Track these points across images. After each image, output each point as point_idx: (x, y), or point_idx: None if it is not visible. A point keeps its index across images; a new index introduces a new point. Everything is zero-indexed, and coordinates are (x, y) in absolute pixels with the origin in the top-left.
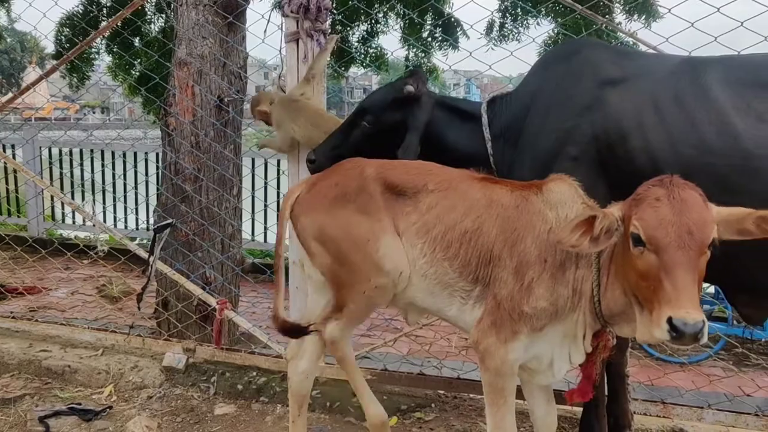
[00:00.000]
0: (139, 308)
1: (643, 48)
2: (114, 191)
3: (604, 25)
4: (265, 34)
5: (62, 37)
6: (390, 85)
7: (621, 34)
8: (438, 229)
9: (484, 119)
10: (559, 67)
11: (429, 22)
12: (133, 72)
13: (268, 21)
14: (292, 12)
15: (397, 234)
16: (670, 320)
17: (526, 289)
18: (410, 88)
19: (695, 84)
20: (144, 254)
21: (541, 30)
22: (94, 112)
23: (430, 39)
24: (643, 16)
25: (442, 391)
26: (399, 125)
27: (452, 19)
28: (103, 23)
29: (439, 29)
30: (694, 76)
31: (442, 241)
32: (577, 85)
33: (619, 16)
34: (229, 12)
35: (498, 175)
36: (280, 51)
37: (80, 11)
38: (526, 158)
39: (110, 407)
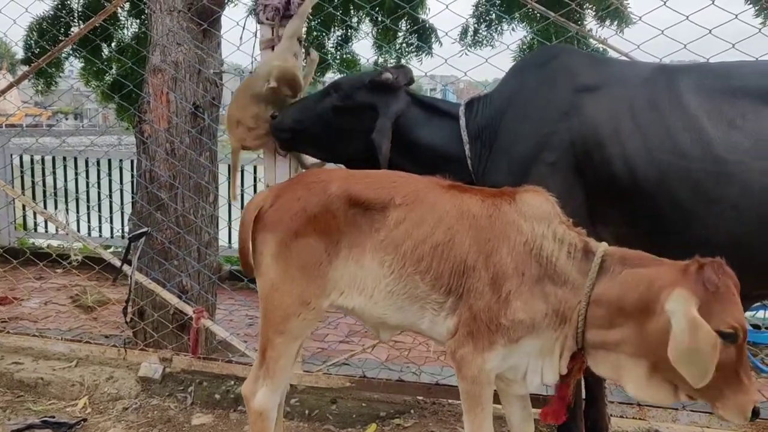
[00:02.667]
0: (126, 322)
1: (614, 55)
2: (88, 199)
3: (576, 32)
4: (240, 41)
5: (31, 42)
6: (368, 72)
7: (593, 41)
8: (407, 244)
9: (462, 122)
10: (535, 72)
11: (403, 28)
12: (107, 78)
13: (243, 28)
14: (267, 19)
15: (356, 254)
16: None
17: (504, 301)
18: (388, 75)
19: (669, 91)
20: (118, 263)
21: (515, 36)
22: (66, 119)
23: (404, 45)
24: (615, 22)
25: (421, 397)
26: (367, 108)
27: (427, 26)
28: (75, 28)
29: (414, 36)
30: (668, 83)
31: (412, 256)
32: (553, 91)
33: (591, 23)
34: (203, 19)
35: (475, 176)
36: (253, 58)
37: (50, 15)
38: (503, 163)
39: (85, 420)
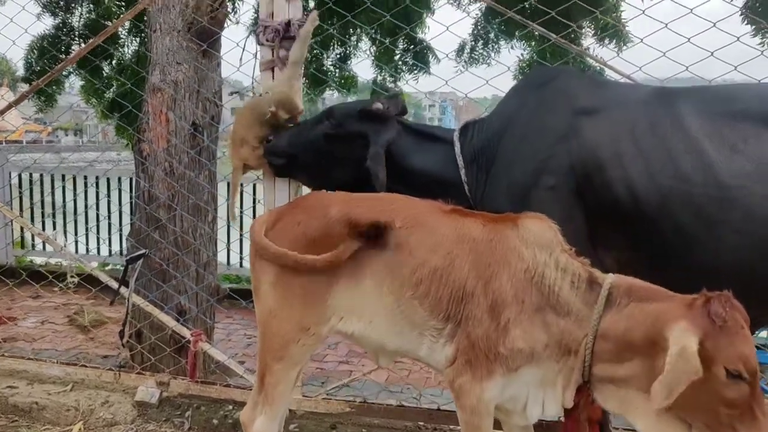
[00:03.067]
0: (123, 345)
1: (615, 76)
2: (86, 219)
3: (576, 54)
4: (240, 62)
5: (32, 60)
6: (361, 101)
7: (594, 61)
8: (406, 268)
9: (457, 146)
10: (533, 94)
11: (401, 47)
12: (106, 95)
13: (243, 49)
14: (267, 41)
15: (355, 278)
16: None
17: (503, 329)
18: (379, 105)
19: (670, 114)
20: (115, 284)
21: (514, 54)
22: (66, 135)
23: (400, 63)
24: (614, 42)
25: (422, 423)
26: (358, 137)
27: (424, 44)
28: (75, 46)
29: (410, 54)
30: (669, 106)
31: (410, 280)
32: (552, 114)
33: (591, 42)
34: (203, 39)
35: (473, 201)
36: (253, 80)
37: (51, 34)
38: (502, 187)
39: None
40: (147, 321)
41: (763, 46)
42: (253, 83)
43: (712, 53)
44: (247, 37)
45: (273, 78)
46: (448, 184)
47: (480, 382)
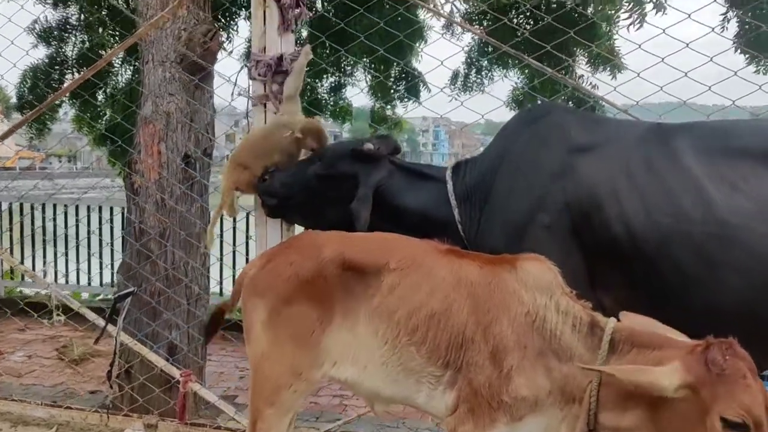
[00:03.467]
0: (111, 386)
1: (610, 108)
2: (77, 251)
3: (571, 86)
4: (232, 96)
5: (25, 90)
6: (353, 140)
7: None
8: (401, 311)
9: (450, 185)
10: (526, 132)
11: (394, 76)
12: (100, 123)
13: (235, 84)
14: (259, 75)
15: (349, 321)
16: None
17: (505, 377)
18: (370, 146)
19: (667, 151)
20: (102, 322)
21: (508, 82)
22: (60, 161)
23: (393, 92)
24: (607, 69)
25: None
26: (348, 177)
27: (417, 73)
28: (69, 75)
29: (403, 84)
30: (665, 143)
31: (406, 325)
32: (546, 152)
33: (584, 68)
34: (196, 71)
35: (467, 240)
36: (247, 115)
37: (44, 64)
38: (496, 226)
39: None
40: (137, 359)
41: (758, 74)
42: (247, 117)
43: (709, 87)
44: (240, 71)
45: (265, 112)
46: (440, 223)
47: (483, 431)
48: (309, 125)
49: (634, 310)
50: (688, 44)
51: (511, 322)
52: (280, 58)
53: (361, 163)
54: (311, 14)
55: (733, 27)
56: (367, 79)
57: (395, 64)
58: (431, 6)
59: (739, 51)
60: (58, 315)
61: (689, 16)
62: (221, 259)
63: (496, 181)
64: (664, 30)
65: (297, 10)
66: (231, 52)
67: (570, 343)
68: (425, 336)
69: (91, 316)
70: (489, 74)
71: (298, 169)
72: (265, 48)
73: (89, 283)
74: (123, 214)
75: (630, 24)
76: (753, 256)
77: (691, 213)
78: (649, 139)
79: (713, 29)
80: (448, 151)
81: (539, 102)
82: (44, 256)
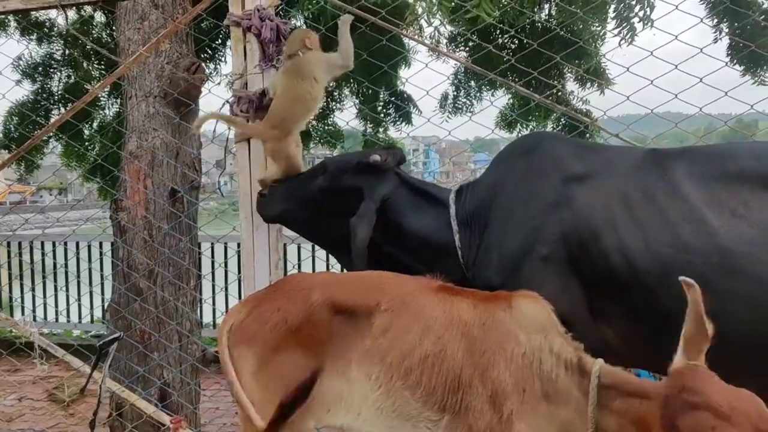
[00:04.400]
0: None
1: (600, 133)
2: (67, 289)
3: (558, 108)
4: (214, 134)
5: (10, 126)
6: (358, 153)
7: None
8: (394, 354)
9: (452, 209)
10: (520, 162)
11: (382, 97)
12: (89, 156)
13: (217, 122)
14: (242, 111)
15: (341, 366)
16: None
17: (506, 421)
18: (376, 157)
19: (664, 178)
20: (88, 369)
21: (497, 101)
22: (51, 194)
23: (383, 114)
24: (595, 85)
25: None
26: (353, 191)
27: (405, 95)
28: (55, 111)
29: (392, 106)
30: (662, 170)
31: (399, 368)
32: (541, 182)
33: (572, 84)
34: (179, 108)
35: (465, 267)
36: (228, 150)
37: (30, 100)
38: (493, 257)
39: None
40: (128, 403)
41: (754, 84)
42: (226, 154)
43: (700, 109)
44: (222, 107)
45: (249, 149)
46: (441, 246)
47: None
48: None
49: (635, 341)
50: (677, 66)
51: (508, 364)
52: (263, 94)
53: (367, 175)
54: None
55: (707, 37)
56: (355, 104)
57: (383, 88)
58: (415, 35)
59: (734, 62)
60: (42, 364)
61: (676, 37)
62: (213, 289)
63: (491, 212)
64: (651, 52)
65: (278, 45)
66: (220, 82)
67: (565, 386)
68: (419, 379)
69: (76, 363)
70: (477, 95)
71: (301, 183)
72: (246, 84)
73: (80, 320)
74: (113, 248)
75: (621, 40)
76: (759, 285)
77: (691, 242)
78: (645, 165)
79: (702, 50)
80: (438, 169)
81: (531, 130)
82: (33, 294)
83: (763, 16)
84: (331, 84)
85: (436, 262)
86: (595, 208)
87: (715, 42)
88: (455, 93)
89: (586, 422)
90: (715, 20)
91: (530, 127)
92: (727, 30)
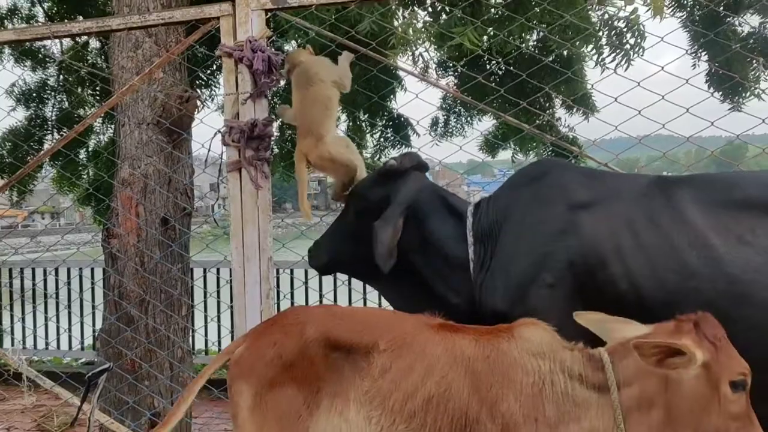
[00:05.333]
0: None
1: (588, 161)
2: (57, 318)
3: (547, 137)
4: (205, 164)
5: (3, 153)
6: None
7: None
8: (396, 396)
9: (469, 221)
10: (528, 189)
11: (380, 123)
12: (82, 182)
13: (209, 150)
14: (233, 141)
15: (339, 404)
16: None
17: None
18: (392, 162)
19: (670, 206)
20: (77, 400)
21: (488, 125)
22: (43, 218)
23: (383, 140)
24: (581, 111)
25: None
26: (384, 202)
27: (402, 119)
28: (48, 136)
29: (390, 130)
30: (667, 197)
31: (401, 411)
32: (548, 210)
33: (559, 111)
34: (172, 135)
35: (474, 281)
36: (219, 178)
37: (23, 126)
38: (499, 284)
39: None
40: None
41: (732, 110)
42: (218, 182)
43: (687, 138)
44: (214, 136)
45: (240, 179)
46: (455, 257)
47: None
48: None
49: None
50: (663, 96)
51: (517, 396)
52: (254, 124)
53: (390, 183)
54: (284, 80)
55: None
56: (349, 127)
57: (381, 114)
58: (406, 63)
59: (713, 88)
60: (30, 395)
61: (662, 68)
62: (206, 314)
63: (500, 237)
64: (638, 83)
65: (270, 76)
66: (218, 108)
67: (584, 396)
68: (424, 421)
69: (65, 395)
70: (468, 120)
71: (338, 221)
72: (238, 114)
73: (70, 347)
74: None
75: (616, 66)
76: (767, 311)
77: (698, 269)
78: (651, 193)
79: (687, 81)
80: None
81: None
82: (23, 322)
83: (739, 45)
84: None
85: (451, 275)
86: (602, 236)
87: (693, 68)
88: (446, 117)
89: (610, 419)
90: (695, 47)
91: (520, 151)
92: (706, 58)
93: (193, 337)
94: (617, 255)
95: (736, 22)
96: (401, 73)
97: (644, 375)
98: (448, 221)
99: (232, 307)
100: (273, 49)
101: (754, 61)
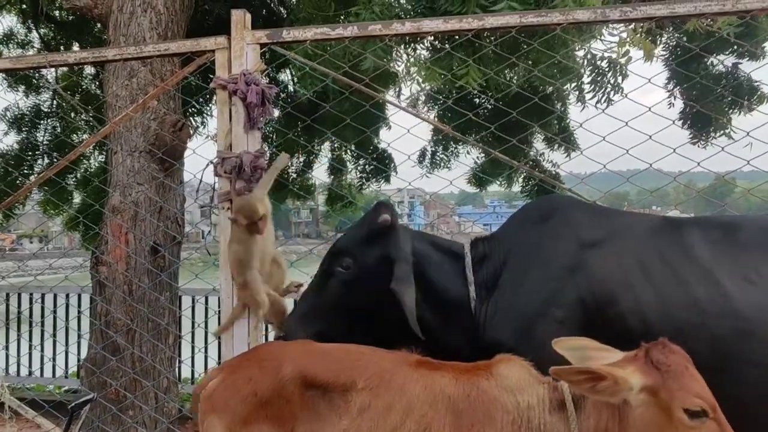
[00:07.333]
0: None
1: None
2: (42, 347)
3: (536, 174)
4: (197, 194)
5: None
6: (359, 223)
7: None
8: None
9: (468, 260)
10: (536, 227)
11: (369, 155)
12: (69, 207)
13: (201, 180)
14: (225, 172)
15: None
16: None
17: None
18: (386, 217)
19: (678, 245)
20: (59, 430)
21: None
22: (31, 242)
23: (367, 170)
24: (563, 148)
25: None
26: (382, 262)
27: (386, 153)
28: (39, 160)
29: (373, 163)
30: (675, 236)
31: None
32: (557, 247)
33: (540, 144)
34: (164, 163)
35: (476, 319)
36: (212, 209)
37: (15, 149)
38: (505, 321)
39: None
40: None
41: (705, 149)
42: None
43: (674, 178)
44: (206, 168)
45: (231, 211)
46: (456, 298)
47: None
48: (240, 206)
49: None
50: (651, 136)
51: None
52: (246, 156)
53: (384, 239)
54: (278, 112)
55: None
56: (334, 157)
57: (369, 147)
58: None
59: (686, 127)
60: (12, 426)
61: (650, 109)
62: (193, 344)
63: (504, 275)
64: (626, 123)
65: (263, 109)
66: (208, 136)
67: (554, 425)
68: None
69: (48, 425)
70: (455, 152)
71: (316, 296)
72: (231, 145)
73: (54, 374)
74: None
75: (597, 102)
76: None
77: (706, 306)
78: (659, 231)
79: (674, 122)
80: (423, 221)
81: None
82: (6, 349)
83: (712, 80)
84: (313, 141)
85: (451, 315)
86: (611, 273)
87: (669, 107)
88: (433, 149)
89: None
90: (671, 86)
91: (507, 186)
92: (681, 96)
93: (179, 367)
94: (627, 291)
95: (711, 63)
96: (389, 107)
97: (599, 405)
98: (445, 263)
99: (219, 337)
100: (266, 82)
101: (725, 100)
